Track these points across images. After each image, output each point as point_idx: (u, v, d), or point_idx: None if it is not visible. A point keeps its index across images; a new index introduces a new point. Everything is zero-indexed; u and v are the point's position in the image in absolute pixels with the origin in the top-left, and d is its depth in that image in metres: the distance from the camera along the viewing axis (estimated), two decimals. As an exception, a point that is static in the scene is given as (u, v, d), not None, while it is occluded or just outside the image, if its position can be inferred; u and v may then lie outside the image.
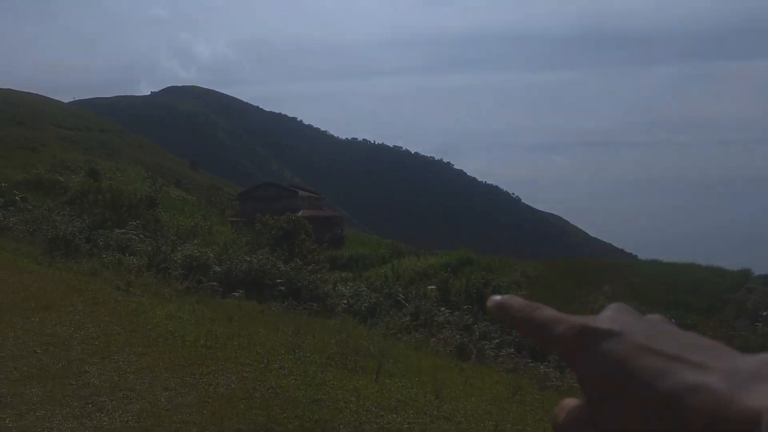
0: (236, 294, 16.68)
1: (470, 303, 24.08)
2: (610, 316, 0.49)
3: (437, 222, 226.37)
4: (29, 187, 46.31)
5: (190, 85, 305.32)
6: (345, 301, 19.90)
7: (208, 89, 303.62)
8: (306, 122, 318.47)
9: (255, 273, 19.02)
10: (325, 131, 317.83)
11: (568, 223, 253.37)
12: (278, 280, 19.13)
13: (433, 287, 25.64)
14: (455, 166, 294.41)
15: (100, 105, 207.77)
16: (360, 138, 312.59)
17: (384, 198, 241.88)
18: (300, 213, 61.83)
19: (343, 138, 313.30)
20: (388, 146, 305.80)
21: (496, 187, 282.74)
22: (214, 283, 16.00)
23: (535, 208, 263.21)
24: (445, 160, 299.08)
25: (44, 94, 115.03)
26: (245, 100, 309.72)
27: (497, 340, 18.33)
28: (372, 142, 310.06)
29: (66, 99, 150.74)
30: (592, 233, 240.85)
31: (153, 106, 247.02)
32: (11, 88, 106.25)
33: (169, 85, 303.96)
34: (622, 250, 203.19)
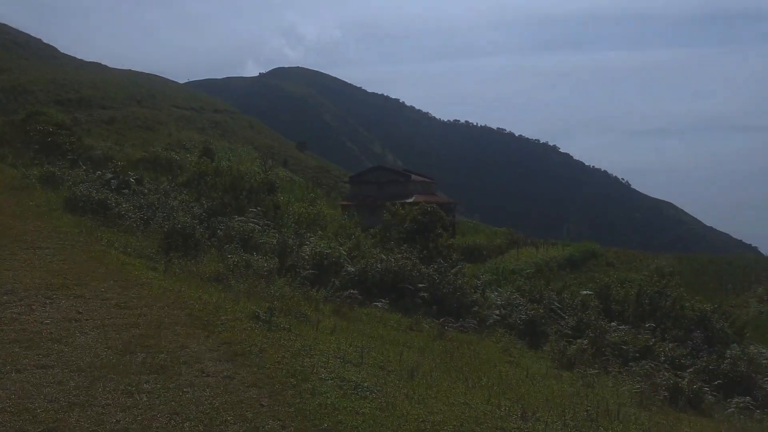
0: (378, 304, 13.73)
1: (641, 316, 20.01)
2: None
3: (542, 208, 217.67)
4: (146, 166, 46.33)
5: (297, 66, 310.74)
6: (497, 312, 16.49)
7: (313, 70, 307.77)
8: (408, 104, 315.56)
9: (392, 275, 16.02)
10: (427, 113, 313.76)
11: (682, 211, 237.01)
12: (420, 285, 16.05)
13: (589, 292, 21.70)
14: (561, 150, 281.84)
15: (212, 86, 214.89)
16: (462, 120, 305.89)
17: (487, 182, 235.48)
18: (413, 198, 59.08)
19: (445, 120, 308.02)
20: (491, 128, 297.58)
21: (605, 172, 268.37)
22: (354, 291, 13.10)
23: (646, 195, 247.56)
24: (551, 143, 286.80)
25: (161, 75, 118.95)
26: (349, 81, 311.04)
27: (690, 370, 14.39)
28: (475, 124, 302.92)
29: (181, 80, 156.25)
30: (708, 223, 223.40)
31: (261, 87, 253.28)
32: (131, 69, 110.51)
33: (277, 67, 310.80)
34: (741, 242, 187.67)
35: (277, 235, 18.05)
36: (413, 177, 61.80)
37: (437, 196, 65.11)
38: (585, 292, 22.13)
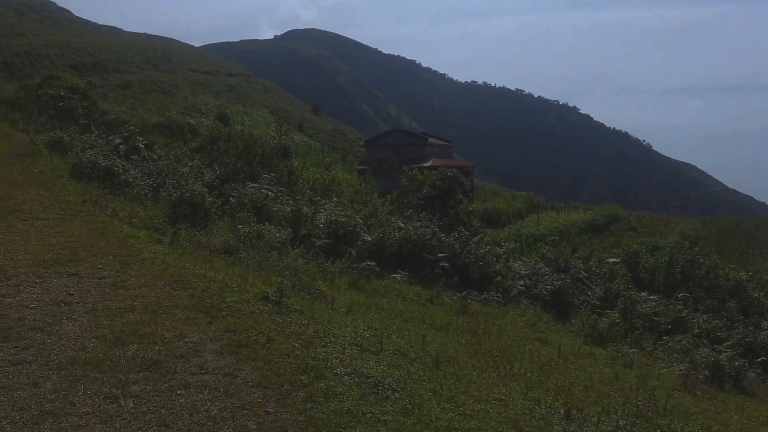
0: (397, 276, 13.07)
1: (672, 285, 19.21)
2: None
3: (561, 170, 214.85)
4: (162, 131, 45.75)
5: (311, 27, 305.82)
6: (522, 283, 15.78)
7: (328, 32, 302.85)
8: (424, 65, 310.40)
9: (411, 244, 15.34)
10: (444, 74, 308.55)
11: (704, 173, 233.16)
12: (440, 255, 15.37)
13: (615, 260, 20.87)
14: (581, 111, 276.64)
15: (227, 50, 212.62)
16: (480, 81, 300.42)
17: (504, 144, 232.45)
18: (430, 162, 58.01)
19: (463, 81, 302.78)
20: (509, 89, 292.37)
21: (626, 133, 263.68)
22: (371, 263, 12.44)
23: (667, 157, 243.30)
24: (570, 104, 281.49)
25: (177, 39, 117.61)
26: (364, 42, 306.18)
27: (727, 344, 13.67)
28: (492, 85, 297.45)
29: (196, 44, 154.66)
30: (731, 185, 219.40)
31: (275, 50, 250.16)
32: (146, 32, 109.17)
33: (291, 29, 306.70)
34: (764, 204, 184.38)
35: (291, 202, 17.40)
36: (430, 140, 60.50)
37: (455, 160, 63.89)
38: (612, 260, 21.32)
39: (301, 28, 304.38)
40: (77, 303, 5.62)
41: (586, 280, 18.08)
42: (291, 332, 5.51)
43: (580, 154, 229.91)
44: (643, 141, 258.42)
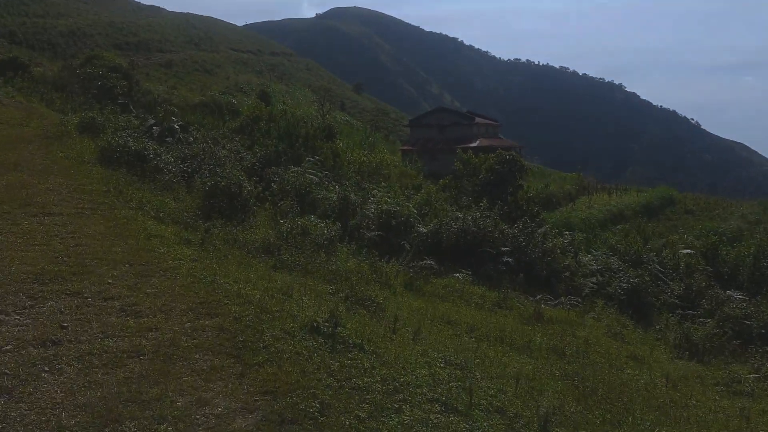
0: (459, 275, 11.48)
1: (758, 282, 17.10)
2: None
3: (605, 149, 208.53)
4: (204, 111, 44.92)
5: (353, 5, 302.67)
6: (593, 280, 14.01)
7: (369, 10, 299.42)
8: (467, 43, 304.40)
9: (471, 237, 13.72)
10: (486, 52, 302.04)
11: (755, 152, 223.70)
12: (503, 249, 13.71)
13: (689, 251, 18.81)
14: (627, 89, 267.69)
15: (269, 29, 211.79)
16: (523, 59, 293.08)
17: (548, 123, 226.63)
18: (477, 142, 55.83)
19: (506, 59, 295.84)
20: (553, 67, 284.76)
21: (674, 112, 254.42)
22: (431, 262, 10.89)
23: (717, 136, 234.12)
24: (616, 82, 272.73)
25: (219, 18, 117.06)
26: (406, 20, 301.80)
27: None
28: (536, 63, 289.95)
29: (239, 23, 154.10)
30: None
31: (317, 29, 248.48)
32: (189, 12, 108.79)
33: (333, 7, 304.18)
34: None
35: (337, 188, 15.95)
36: (477, 119, 58.22)
37: (502, 140, 61.48)
38: (686, 251, 19.25)
39: (342, 6, 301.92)
40: (69, 342, 4.25)
41: (661, 275, 16.16)
42: (352, 388, 4.03)
43: (625, 133, 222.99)
44: (692, 119, 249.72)
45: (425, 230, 13.89)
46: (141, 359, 4.07)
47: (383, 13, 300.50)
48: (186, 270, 6.28)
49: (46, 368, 3.84)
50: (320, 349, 4.65)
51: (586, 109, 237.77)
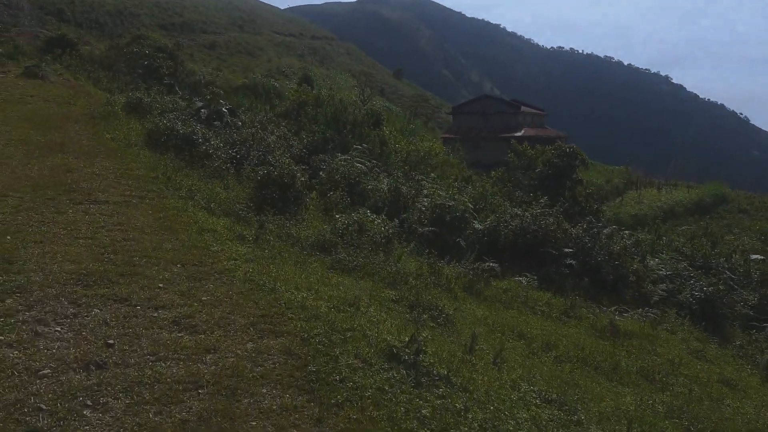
0: (523, 279, 10.67)
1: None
2: None
3: (649, 142, 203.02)
4: (246, 93, 44.57)
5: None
6: (663, 287, 13.01)
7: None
8: (509, 29, 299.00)
9: (531, 236, 12.86)
10: (529, 39, 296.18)
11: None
12: (567, 250, 12.82)
13: (759, 257, 17.57)
14: (674, 81, 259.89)
15: (311, 12, 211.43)
16: (567, 47, 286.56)
17: (590, 114, 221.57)
18: (522, 132, 54.39)
19: (549, 47, 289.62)
20: (597, 56, 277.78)
21: (721, 105, 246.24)
22: (493, 264, 10.10)
23: (766, 132, 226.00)
24: (662, 73, 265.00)
25: (262, 1, 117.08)
26: (448, 6, 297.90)
27: None
28: (580, 51, 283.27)
29: (281, 6, 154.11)
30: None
31: (358, 13, 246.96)
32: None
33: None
34: None
35: (386, 180, 15.21)
36: (523, 108, 56.65)
37: (548, 130, 59.82)
38: (756, 257, 17.98)
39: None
40: (115, 366, 3.63)
41: (733, 284, 15.01)
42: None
43: (670, 126, 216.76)
44: (740, 114, 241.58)
45: (481, 227, 13.08)
46: (199, 393, 3.42)
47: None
48: (243, 273, 5.64)
49: (89, 402, 3.22)
50: (403, 382, 3.94)
51: (630, 100, 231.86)
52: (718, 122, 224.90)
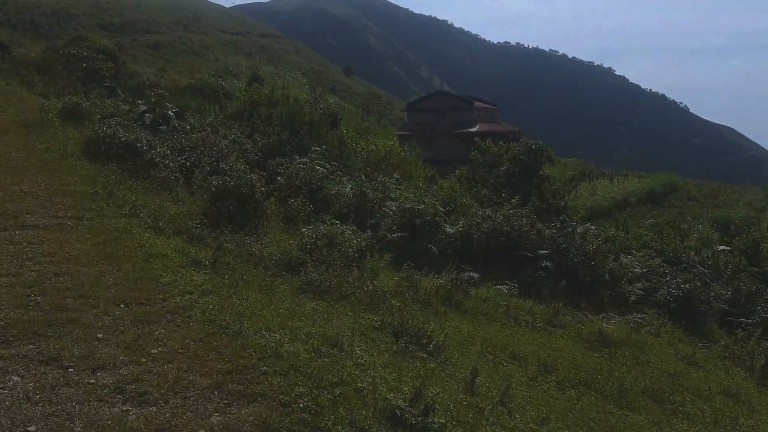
0: (503, 287, 10.05)
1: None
2: None
3: (595, 133, 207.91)
4: (194, 94, 42.91)
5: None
6: (639, 285, 12.64)
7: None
8: (457, 25, 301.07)
9: (504, 238, 12.27)
10: (476, 35, 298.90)
11: (743, 137, 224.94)
12: (542, 252, 12.28)
13: (725, 248, 17.52)
14: (617, 72, 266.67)
15: (257, 10, 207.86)
16: (513, 42, 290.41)
17: (538, 107, 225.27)
18: (476, 128, 54.21)
19: (495, 42, 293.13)
20: (543, 50, 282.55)
21: (662, 95, 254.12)
22: (474, 275, 9.43)
23: (706, 120, 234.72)
24: (606, 65, 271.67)
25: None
26: (394, 2, 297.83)
27: None
28: (526, 46, 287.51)
29: (227, 4, 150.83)
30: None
31: (305, 11, 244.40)
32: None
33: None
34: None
35: (349, 184, 14.38)
36: (476, 104, 56.53)
37: (501, 125, 59.91)
38: (722, 248, 17.93)
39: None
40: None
41: (706, 278, 14.79)
42: None
43: (614, 117, 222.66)
44: (681, 103, 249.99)
45: (453, 231, 12.41)
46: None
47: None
48: (201, 311, 4.75)
49: None
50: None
51: (576, 92, 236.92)
52: (661, 112, 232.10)
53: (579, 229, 13.21)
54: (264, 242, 8.15)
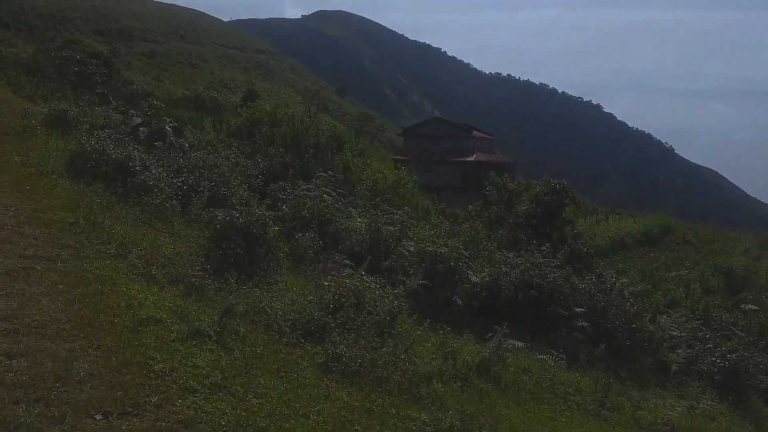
0: (548, 357, 8.67)
1: None
2: None
3: (580, 167, 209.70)
4: (188, 105, 41.48)
5: (339, 9, 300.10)
6: (681, 352, 11.33)
7: (355, 14, 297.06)
8: (449, 54, 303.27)
9: (535, 290, 10.94)
10: (468, 64, 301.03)
11: (725, 179, 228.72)
12: (578, 310, 10.95)
13: (752, 307, 16.34)
14: (605, 109, 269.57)
15: (254, 26, 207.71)
16: (504, 73, 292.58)
17: (526, 138, 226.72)
18: (474, 157, 53.28)
19: (487, 72, 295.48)
20: (533, 83, 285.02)
21: (648, 134, 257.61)
22: (518, 343, 8.09)
23: (689, 161, 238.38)
24: (594, 101, 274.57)
25: (205, 12, 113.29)
26: (391, 27, 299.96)
27: None
28: (517, 78, 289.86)
29: (224, 18, 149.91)
30: (752, 192, 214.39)
31: (302, 30, 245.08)
32: (174, 3, 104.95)
33: (319, 9, 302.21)
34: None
35: (359, 218, 13.00)
36: (474, 132, 55.59)
37: (498, 155, 59.04)
38: (750, 307, 16.75)
39: (329, 9, 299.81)
40: None
41: (747, 345, 13.51)
42: None
43: (601, 152, 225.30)
44: (666, 143, 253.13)
45: (478, 279, 11.05)
46: None
47: (368, 19, 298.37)
48: (210, 427, 3.32)
49: None
50: None
51: (563, 125, 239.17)
52: (646, 150, 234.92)
53: (617, 284, 11.91)
54: (275, 293, 6.75)
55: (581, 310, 10.85)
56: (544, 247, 12.14)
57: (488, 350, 7.58)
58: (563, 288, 11.11)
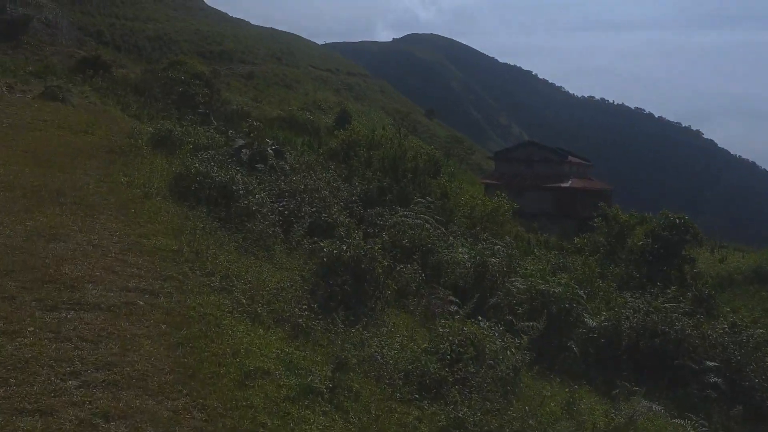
0: (688, 425, 7.53)
1: None
2: None
3: (677, 197, 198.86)
4: (282, 125, 42.27)
5: (430, 33, 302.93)
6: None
7: (445, 37, 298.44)
8: (540, 76, 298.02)
9: (660, 339, 9.74)
10: (560, 87, 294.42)
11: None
12: (710, 363, 9.67)
13: None
14: (705, 136, 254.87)
15: (347, 49, 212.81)
16: (597, 97, 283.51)
17: (619, 164, 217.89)
18: (569, 183, 51.23)
19: (579, 96, 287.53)
20: (628, 107, 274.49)
21: (753, 163, 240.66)
22: (658, 408, 7.01)
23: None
24: (693, 127, 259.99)
25: (301, 35, 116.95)
26: (481, 50, 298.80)
27: None
28: (611, 102, 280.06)
29: (319, 41, 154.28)
30: None
31: (393, 52, 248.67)
32: (274, 27, 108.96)
33: (410, 33, 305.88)
34: None
35: (461, 248, 12.22)
36: (570, 158, 53.47)
37: (594, 182, 56.50)
38: None
39: (419, 32, 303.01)
40: None
41: None
42: None
43: (699, 181, 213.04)
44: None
45: (595, 323, 9.99)
46: None
47: (459, 42, 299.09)
48: None
49: None
50: None
51: (660, 152, 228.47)
52: (749, 179, 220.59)
53: (754, 335, 10.49)
54: (384, 337, 6.10)
55: (714, 364, 9.56)
56: (669, 290, 10.87)
57: (622, 416, 6.59)
58: (693, 338, 9.85)
